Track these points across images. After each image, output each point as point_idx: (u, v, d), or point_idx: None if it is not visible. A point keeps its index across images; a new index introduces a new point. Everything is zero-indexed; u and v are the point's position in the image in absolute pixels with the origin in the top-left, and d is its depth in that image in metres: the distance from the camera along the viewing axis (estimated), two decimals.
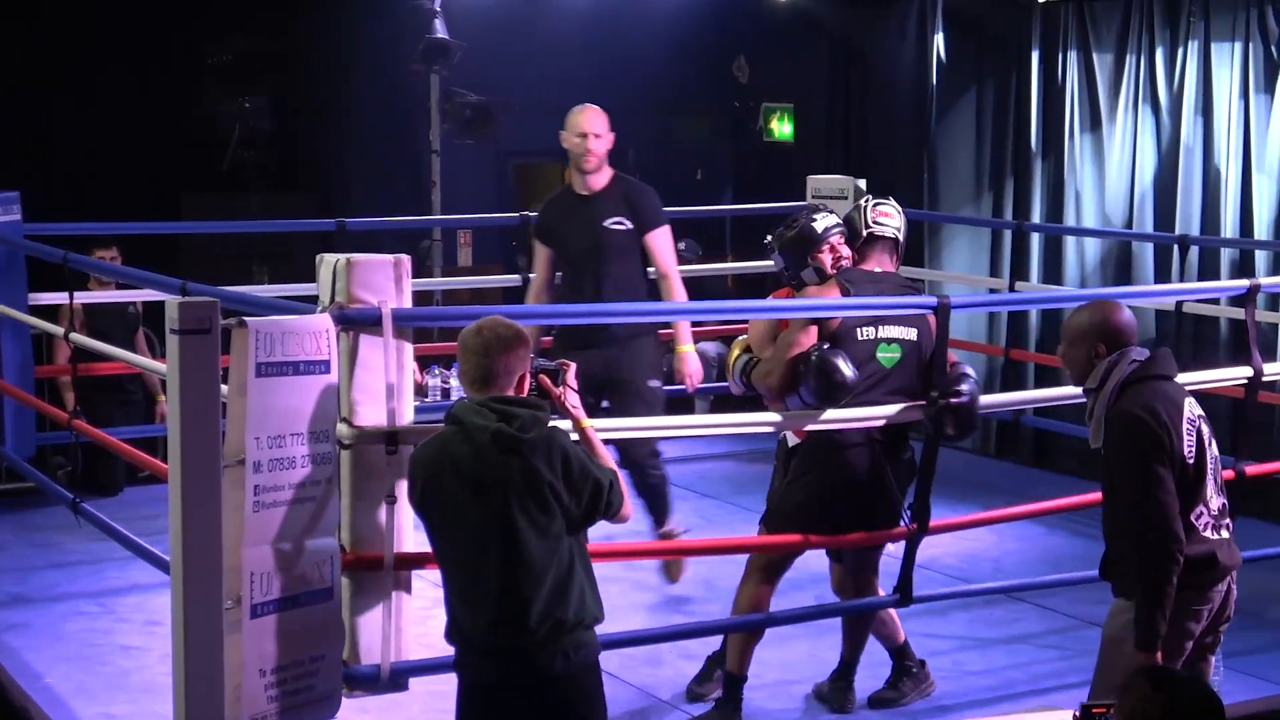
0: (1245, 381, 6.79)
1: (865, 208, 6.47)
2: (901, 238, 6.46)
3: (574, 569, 4.55)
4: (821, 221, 6.35)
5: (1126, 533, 4.96)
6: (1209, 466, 5.00)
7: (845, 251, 6.35)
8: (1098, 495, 6.62)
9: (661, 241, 7.62)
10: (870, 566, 6.35)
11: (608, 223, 7.54)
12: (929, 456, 6.08)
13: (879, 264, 6.38)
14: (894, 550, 6.30)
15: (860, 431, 6.02)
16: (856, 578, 6.37)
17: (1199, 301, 8.73)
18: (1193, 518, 4.97)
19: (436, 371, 9.19)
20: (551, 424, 4.59)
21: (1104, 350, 5.04)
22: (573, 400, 4.88)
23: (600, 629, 4.64)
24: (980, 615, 7.30)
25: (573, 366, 4.93)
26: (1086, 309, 5.18)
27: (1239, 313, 9.14)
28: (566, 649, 4.50)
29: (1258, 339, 6.89)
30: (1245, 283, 7.13)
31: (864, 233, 6.40)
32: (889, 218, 6.44)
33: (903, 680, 6.39)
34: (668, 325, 7.92)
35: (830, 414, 5.93)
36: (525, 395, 4.64)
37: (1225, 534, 5.07)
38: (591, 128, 7.57)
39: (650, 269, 7.67)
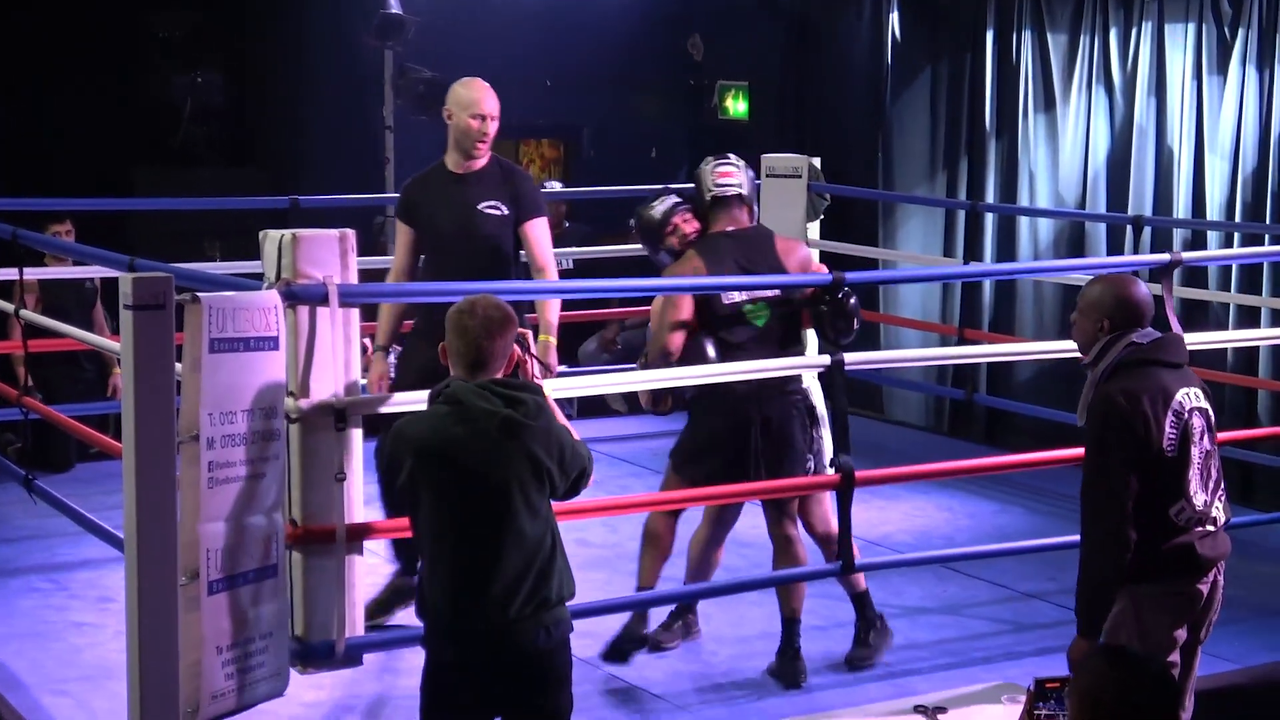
0: None
1: (706, 170, 6.63)
2: (746, 191, 6.59)
3: (555, 548, 4.55)
4: (659, 207, 6.66)
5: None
6: (1195, 460, 4.87)
7: (690, 227, 6.60)
8: (1030, 457, 7.11)
9: (540, 231, 6.94)
10: (787, 512, 6.54)
11: (482, 205, 6.83)
12: (838, 407, 6.28)
13: (732, 223, 6.55)
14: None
15: (744, 381, 6.27)
16: (779, 520, 6.53)
17: (1149, 282, 8.76)
18: (1171, 513, 4.85)
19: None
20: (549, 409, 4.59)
21: (1108, 326, 4.92)
22: (536, 369, 4.85)
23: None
24: (932, 590, 7.34)
25: (529, 333, 4.91)
26: (1100, 281, 5.07)
27: (1190, 292, 9.25)
28: (547, 625, 4.49)
29: (1175, 310, 6.96)
30: (1165, 257, 7.25)
31: (708, 196, 6.57)
32: (730, 176, 6.58)
33: (870, 634, 6.49)
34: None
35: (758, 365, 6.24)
36: (515, 376, 4.63)
37: (1211, 528, 4.92)
38: (491, 109, 6.96)
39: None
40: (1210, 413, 4.96)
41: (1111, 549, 4.77)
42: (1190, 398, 4.89)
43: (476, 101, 6.95)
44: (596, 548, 7.66)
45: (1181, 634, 4.92)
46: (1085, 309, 5.00)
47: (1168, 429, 4.80)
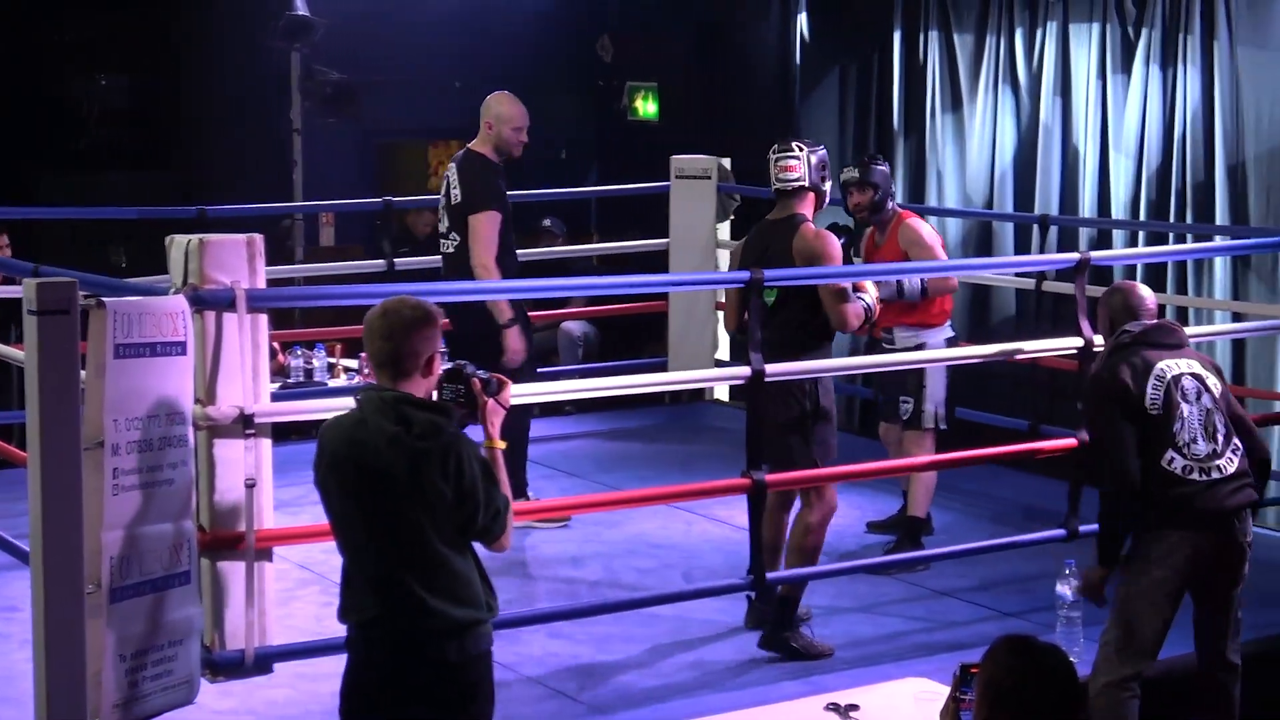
0: (1075, 351, 7.00)
1: (770, 160, 6.77)
2: (808, 182, 6.70)
3: (469, 567, 4.48)
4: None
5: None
6: (1183, 414, 5.62)
7: None
8: (940, 457, 7.46)
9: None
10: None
11: None
12: (752, 419, 6.40)
13: (777, 212, 6.78)
14: None
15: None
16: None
17: (1058, 280, 8.83)
18: (1163, 463, 5.61)
19: (299, 352, 9.12)
20: (455, 431, 4.46)
21: (1115, 325, 5.85)
22: (495, 417, 4.68)
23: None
24: (844, 588, 7.34)
25: (509, 385, 4.76)
26: (1108, 292, 6.04)
27: (1098, 290, 9.31)
28: (461, 639, 4.42)
29: (1086, 309, 7.09)
30: (1075, 256, 7.39)
31: (773, 188, 6.77)
32: (791, 170, 6.70)
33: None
34: None
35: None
36: (436, 378, 4.50)
37: (1215, 475, 5.62)
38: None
39: None
40: (1209, 379, 5.74)
41: (1120, 488, 5.60)
42: (1176, 366, 5.70)
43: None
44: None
45: (1176, 581, 5.59)
46: (1101, 317, 6.03)
47: (1151, 391, 5.62)
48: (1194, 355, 5.86)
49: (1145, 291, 5.96)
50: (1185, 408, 5.65)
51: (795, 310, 6.64)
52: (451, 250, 7.95)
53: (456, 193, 7.96)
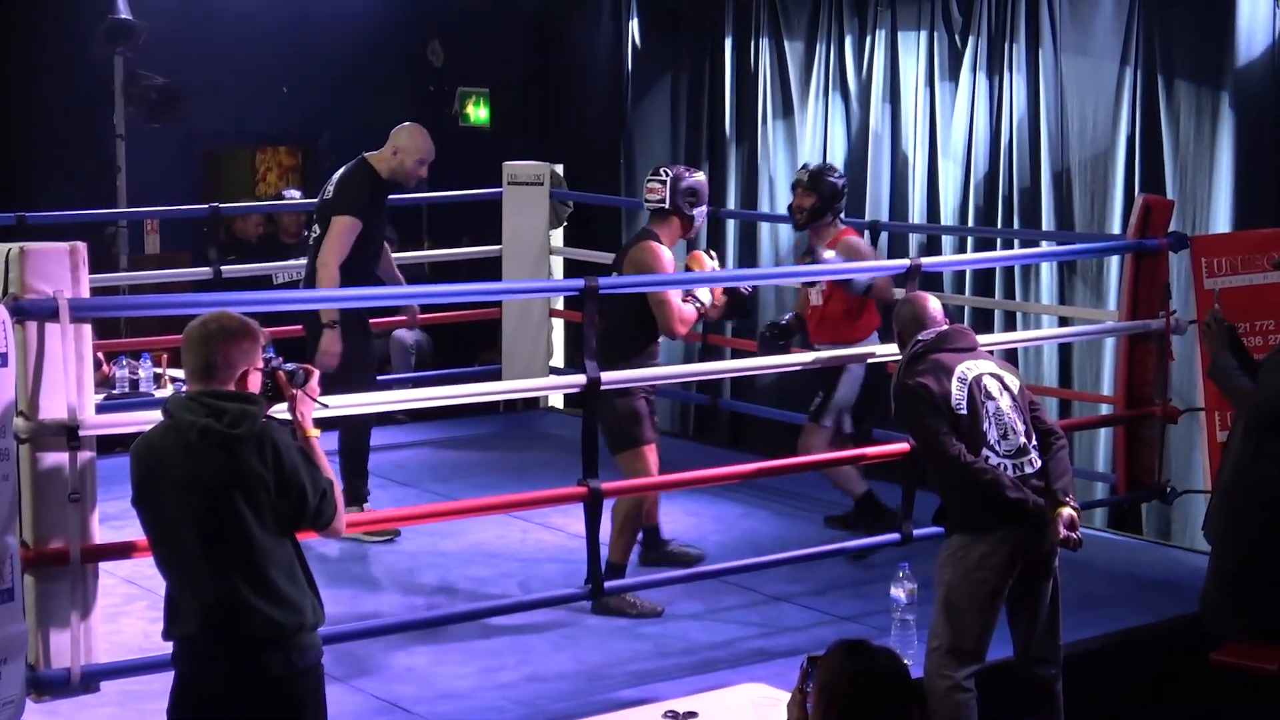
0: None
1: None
2: (668, 205, 7.23)
3: (294, 569, 4.45)
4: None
5: (938, 477, 5.89)
6: (989, 412, 5.77)
7: None
8: (775, 463, 7.45)
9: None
10: None
11: None
12: (588, 428, 6.45)
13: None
14: None
15: None
16: None
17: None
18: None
19: (125, 363, 8.95)
20: (267, 419, 4.45)
21: (907, 337, 6.00)
22: (305, 408, 4.71)
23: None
24: (679, 593, 7.34)
25: (316, 373, 4.77)
26: (898, 304, 6.26)
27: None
28: (288, 651, 4.39)
29: None
30: (905, 262, 7.44)
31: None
32: (652, 192, 7.30)
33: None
34: None
35: None
36: (248, 390, 4.48)
37: (1028, 470, 5.79)
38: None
39: None
40: (1006, 377, 5.91)
41: (969, 471, 5.70)
42: (976, 367, 5.86)
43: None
44: (335, 562, 7.54)
45: (998, 581, 5.70)
46: (895, 329, 6.15)
47: (954, 392, 5.77)
48: (988, 356, 6.04)
49: (933, 301, 6.15)
50: (990, 404, 5.80)
51: (615, 319, 6.99)
52: (311, 243, 8.06)
53: (331, 189, 8.05)
